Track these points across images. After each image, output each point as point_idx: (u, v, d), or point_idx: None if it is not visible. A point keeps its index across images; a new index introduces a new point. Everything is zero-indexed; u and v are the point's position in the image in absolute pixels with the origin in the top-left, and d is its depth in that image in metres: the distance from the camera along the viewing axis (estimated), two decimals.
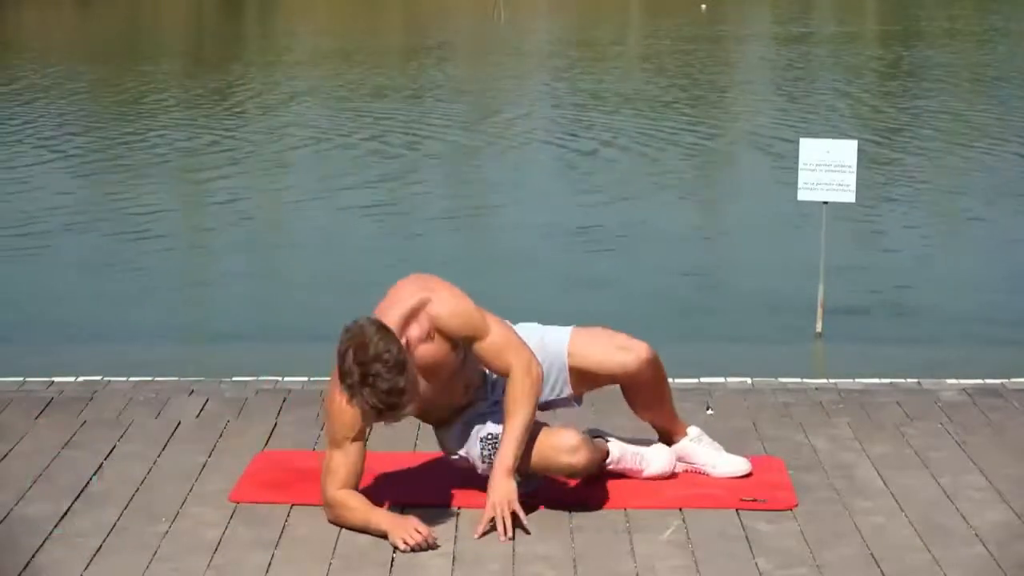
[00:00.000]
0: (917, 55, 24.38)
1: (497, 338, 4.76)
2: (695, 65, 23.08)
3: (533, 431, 4.85)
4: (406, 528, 4.62)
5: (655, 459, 5.15)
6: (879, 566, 4.49)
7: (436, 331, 4.73)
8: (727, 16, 32.71)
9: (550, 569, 4.48)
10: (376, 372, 4.45)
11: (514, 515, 4.71)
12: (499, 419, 4.86)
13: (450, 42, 27.70)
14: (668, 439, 5.23)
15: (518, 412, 4.76)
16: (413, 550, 4.56)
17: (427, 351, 4.74)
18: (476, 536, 4.68)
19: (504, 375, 4.81)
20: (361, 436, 4.74)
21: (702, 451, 5.21)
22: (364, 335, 4.49)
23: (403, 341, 4.60)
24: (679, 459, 5.22)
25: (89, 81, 21.31)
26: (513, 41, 27.44)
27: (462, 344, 4.80)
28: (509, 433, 4.77)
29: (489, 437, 4.87)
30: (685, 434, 5.22)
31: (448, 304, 4.72)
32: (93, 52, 25.89)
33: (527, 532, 4.71)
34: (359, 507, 4.71)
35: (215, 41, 29.15)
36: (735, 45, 26.80)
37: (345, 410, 4.64)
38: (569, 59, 24.62)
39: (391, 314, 4.68)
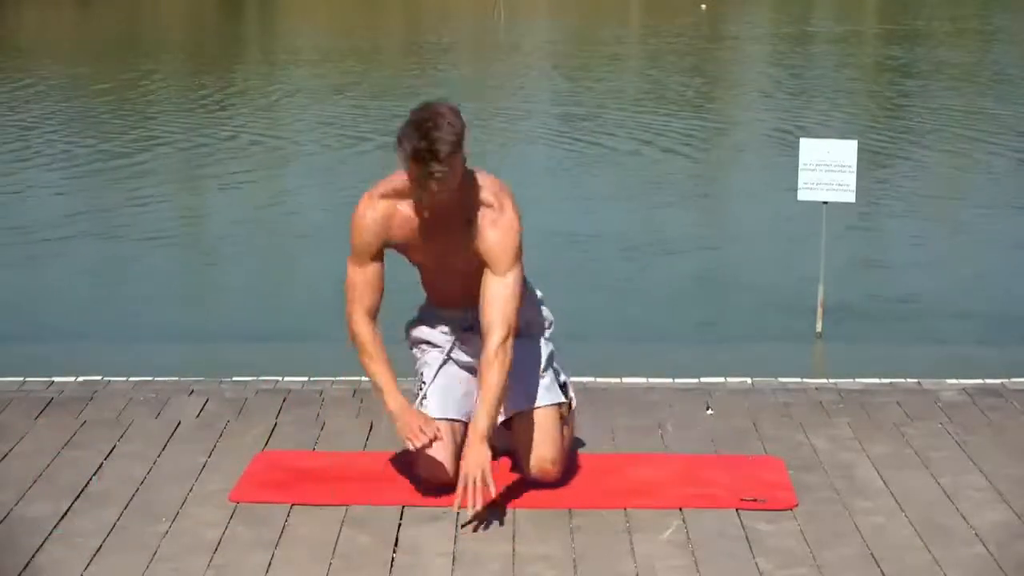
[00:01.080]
0: (918, 55, 24.38)
1: (502, 288, 4.81)
2: (695, 65, 23.07)
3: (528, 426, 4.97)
4: (411, 427, 4.80)
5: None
6: (879, 566, 4.49)
7: (477, 229, 4.82)
8: (727, 16, 32.71)
9: (550, 569, 4.48)
10: (435, 124, 4.61)
11: (485, 488, 4.70)
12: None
13: (450, 42, 27.70)
14: None
15: (493, 378, 4.77)
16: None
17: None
18: (454, 509, 4.71)
19: (483, 320, 4.82)
20: (381, 256, 4.89)
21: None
22: (441, 106, 4.68)
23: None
24: None
25: (88, 81, 21.30)
26: (513, 41, 27.43)
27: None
28: (484, 398, 4.78)
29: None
30: None
31: (498, 222, 4.81)
32: (93, 52, 25.88)
33: (496, 500, 4.73)
34: (378, 368, 4.86)
35: (215, 40, 29.14)
36: (735, 45, 26.80)
37: (369, 220, 4.82)
38: (569, 59, 24.62)
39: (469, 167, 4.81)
